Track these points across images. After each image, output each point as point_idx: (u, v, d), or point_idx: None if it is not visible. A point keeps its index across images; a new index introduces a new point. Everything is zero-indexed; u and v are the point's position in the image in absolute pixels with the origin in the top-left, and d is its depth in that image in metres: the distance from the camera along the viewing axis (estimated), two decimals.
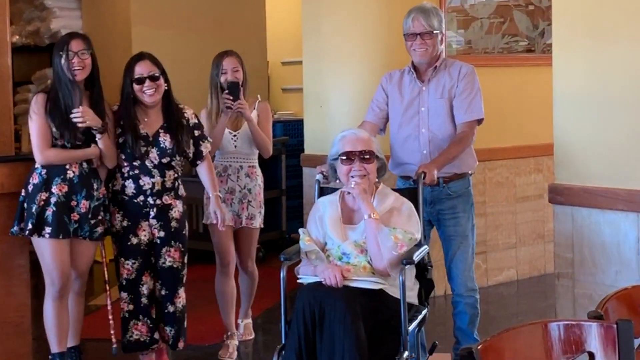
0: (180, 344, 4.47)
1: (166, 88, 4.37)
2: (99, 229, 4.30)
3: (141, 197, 4.34)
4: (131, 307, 4.38)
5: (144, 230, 4.37)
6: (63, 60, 4.16)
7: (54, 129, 4.13)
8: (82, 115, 4.12)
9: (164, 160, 4.33)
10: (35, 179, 4.17)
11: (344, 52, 5.97)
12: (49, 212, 4.13)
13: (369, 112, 4.47)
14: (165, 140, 4.33)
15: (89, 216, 4.23)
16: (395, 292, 3.60)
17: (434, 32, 4.22)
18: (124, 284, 4.39)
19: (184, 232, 4.45)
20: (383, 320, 3.55)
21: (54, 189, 4.15)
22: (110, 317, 4.44)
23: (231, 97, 4.67)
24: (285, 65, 9.31)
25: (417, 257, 3.66)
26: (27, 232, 4.14)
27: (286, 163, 7.55)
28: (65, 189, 4.17)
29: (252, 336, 5.15)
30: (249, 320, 5.19)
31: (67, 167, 4.18)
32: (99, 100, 4.26)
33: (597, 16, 3.79)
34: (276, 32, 9.07)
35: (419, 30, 4.22)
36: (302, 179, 6.36)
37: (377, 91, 4.48)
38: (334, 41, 6.01)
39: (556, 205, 3.95)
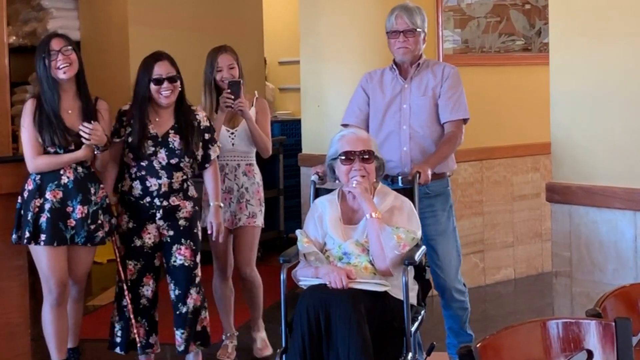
0: (192, 348, 4.36)
1: (179, 89, 4.31)
2: (100, 233, 4.21)
3: (147, 199, 4.27)
4: (131, 306, 4.32)
5: (149, 232, 4.30)
6: (46, 62, 4.09)
7: (41, 137, 4.06)
8: (90, 133, 4.07)
9: (173, 161, 4.26)
10: (29, 185, 4.13)
11: (341, 52, 5.97)
12: (43, 219, 4.08)
13: (348, 115, 4.40)
14: (175, 141, 4.27)
15: (88, 221, 4.16)
16: (397, 294, 3.60)
17: (417, 30, 4.22)
18: (128, 284, 4.33)
19: (195, 231, 4.36)
20: (386, 321, 3.55)
21: (48, 195, 4.10)
22: (131, 316, 4.34)
23: (232, 96, 4.59)
24: (283, 65, 9.31)
25: (418, 257, 3.66)
26: (25, 240, 4.10)
27: (284, 163, 7.56)
28: (60, 194, 4.11)
29: (270, 351, 4.86)
30: (263, 334, 4.93)
31: (61, 172, 4.12)
32: (87, 98, 4.21)
33: (593, 15, 3.79)
34: (273, 32, 9.07)
35: (402, 27, 4.21)
36: (299, 179, 6.36)
37: (355, 93, 4.43)
38: (331, 41, 6.02)
39: (554, 204, 3.96)
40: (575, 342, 1.96)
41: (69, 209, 4.13)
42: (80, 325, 4.45)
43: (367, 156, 3.76)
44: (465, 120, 4.28)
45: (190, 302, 4.32)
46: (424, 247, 3.82)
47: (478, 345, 1.84)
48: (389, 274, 3.61)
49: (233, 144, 4.74)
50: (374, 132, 4.28)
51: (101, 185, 4.25)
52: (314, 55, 6.14)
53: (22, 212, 4.13)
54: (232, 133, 4.74)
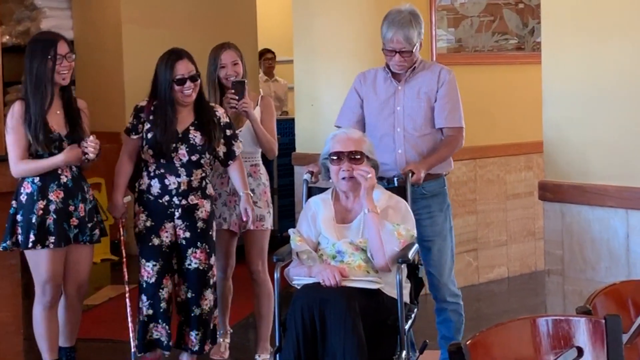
0: (207, 347, 4.33)
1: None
2: (97, 232, 4.21)
3: (166, 197, 4.19)
4: (150, 311, 4.23)
5: (167, 231, 4.22)
6: (50, 65, 4.00)
7: (32, 140, 3.98)
8: (94, 148, 4.02)
9: (193, 158, 4.19)
10: (27, 188, 4.05)
11: (335, 51, 5.97)
12: (49, 221, 4.03)
13: (341, 118, 4.33)
14: (196, 137, 4.20)
15: (87, 219, 4.15)
16: (390, 292, 3.60)
17: (414, 47, 4.11)
18: (144, 286, 4.23)
19: (210, 233, 4.29)
20: (380, 320, 3.55)
21: (51, 196, 4.04)
22: (129, 320, 4.32)
23: (236, 97, 4.44)
24: (277, 65, 9.32)
25: (411, 255, 3.67)
26: (30, 244, 4.00)
27: (277, 162, 7.54)
28: (62, 194, 4.07)
29: None
30: (267, 356, 4.64)
31: (60, 172, 4.07)
32: (72, 101, 4.16)
33: (585, 14, 3.80)
34: (267, 32, 9.08)
35: (398, 48, 4.10)
36: (293, 178, 6.36)
37: (349, 95, 4.35)
38: (325, 40, 6.02)
39: (546, 202, 3.97)
40: (565, 339, 1.97)
41: (71, 208, 4.10)
42: (79, 324, 4.40)
43: (357, 156, 3.73)
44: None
45: (205, 303, 4.27)
46: (416, 246, 3.82)
47: (468, 343, 1.85)
48: (387, 270, 3.61)
49: None
50: (369, 133, 4.23)
51: (88, 185, 4.25)
52: (307, 55, 6.15)
53: (17, 217, 4.05)
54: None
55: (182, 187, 4.19)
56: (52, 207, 4.04)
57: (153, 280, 4.22)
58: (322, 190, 3.99)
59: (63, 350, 4.34)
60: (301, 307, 3.43)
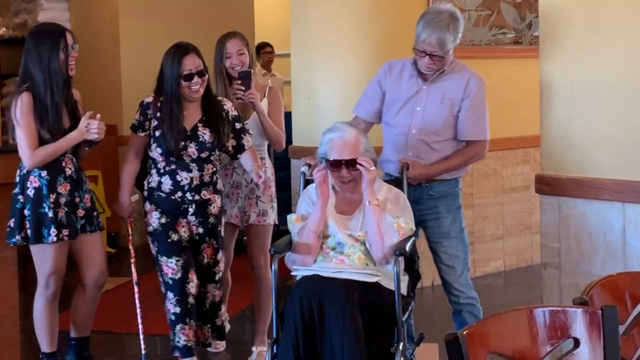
0: (215, 345, 4.45)
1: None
2: (100, 220, 4.26)
3: (179, 194, 4.14)
4: (178, 309, 4.13)
5: (183, 226, 4.17)
6: (62, 57, 3.99)
7: (42, 131, 3.98)
8: (99, 131, 4.02)
9: (203, 155, 4.13)
10: (35, 182, 4.04)
11: (332, 44, 5.97)
12: (61, 214, 4.04)
13: (359, 107, 4.25)
14: (205, 134, 4.14)
15: (93, 208, 4.20)
16: (388, 284, 3.61)
17: (447, 54, 3.95)
18: (170, 284, 4.12)
19: (219, 229, 4.27)
20: (378, 312, 3.55)
21: (60, 189, 4.05)
22: (140, 322, 4.25)
23: (243, 88, 4.36)
24: (274, 58, 9.31)
25: (409, 248, 3.67)
26: (54, 238, 3.99)
27: (274, 155, 7.53)
28: (69, 187, 4.09)
29: None
30: (263, 349, 4.61)
31: (64, 164, 4.08)
32: (71, 93, 4.16)
33: (583, 7, 3.80)
34: (265, 25, 9.07)
35: (429, 50, 3.94)
36: (290, 171, 6.37)
37: (371, 85, 4.21)
38: (322, 33, 6.01)
39: (543, 195, 3.97)
40: (561, 330, 1.97)
41: (77, 199, 4.11)
42: (94, 314, 4.39)
43: (353, 164, 3.67)
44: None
45: (208, 296, 4.29)
46: (413, 238, 3.82)
47: (464, 333, 1.85)
48: (385, 262, 3.61)
49: None
50: (385, 128, 4.17)
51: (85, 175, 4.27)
52: (304, 48, 6.14)
53: (25, 211, 4.03)
54: None
55: (195, 182, 4.14)
56: (62, 200, 4.05)
57: (179, 275, 4.12)
58: None
59: (78, 340, 4.34)
60: (300, 298, 3.44)
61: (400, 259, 3.58)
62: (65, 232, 4.04)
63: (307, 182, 4.05)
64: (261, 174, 4.17)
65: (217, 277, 4.29)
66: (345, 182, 3.72)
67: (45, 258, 4.09)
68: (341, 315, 3.38)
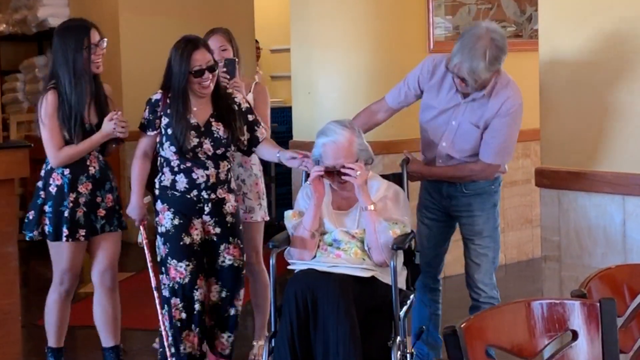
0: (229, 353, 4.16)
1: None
2: (123, 218, 4.20)
3: (194, 192, 3.98)
4: (184, 315, 4.00)
5: (197, 228, 4.01)
6: (86, 55, 3.95)
7: (66, 133, 3.96)
8: (124, 127, 3.99)
9: (219, 152, 4.00)
10: (57, 180, 4.04)
11: (332, 38, 5.96)
12: (80, 214, 4.02)
13: (393, 93, 4.08)
14: (219, 130, 3.99)
15: (117, 207, 4.14)
16: (385, 278, 3.62)
17: (479, 82, 3.72)
18: (175, 288, 3.98)
19: (240, 228, 4.13)
20: (375, 306, 3.56)
21: (81, 189, 4.03)
22: (162, 327, 4.05)
23: (227, 76, 4.27)
24: (274, 53, 9.32)
25: (406, 243, 3.68)
26: (64, 238, 3.99)
27: None
28: (90, 186, 4.06)
29: None
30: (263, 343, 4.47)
31: (88, 163, 4.06)
32: (101, 89, 4.12)
33: (582, 1, 3.80)
34: (265, 20, 9.07)
35: (461, 75, 3.71)
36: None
37: (411, 78, 4.00)
38: (322, 27, 6.01)
39: (543, 189, 3.97)
40: (560, 323, 1.97)
41: (99, 199, 4.08)
42: (120, 319, 4.30)
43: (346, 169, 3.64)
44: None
45: (238, 304, 4.11)
46: (413, 232, 3.82)
47: (463, 326, 1.85)
48: (385, 265, 3.62)
49: None
50: (421, 125, 4.02)
51: (113, 172, 4.22)
52: (304, 43, 6.13)
53: (44, 207, 4.04)
54: None
55: (211, 180, 4.00)
56: (82, 199, 4.03)
57: (187, 280, 3.97)
58: None
59: (108, 350, 4.27)
60: (295, 293, 3.46)
61: (398, 252, 3.58)
62: (82, 232, 4.03)
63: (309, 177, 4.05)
64: (295, 155, 3.96)
65: (244, 280, 4.14)
66: (342, 183, 3.73)
67: (60, 255, 4.09)
68: (335, 309, 3.38)
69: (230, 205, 4.08)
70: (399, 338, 3.53)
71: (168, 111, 3.98)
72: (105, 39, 4.03)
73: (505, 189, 6.60)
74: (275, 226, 7.45)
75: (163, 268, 4.02)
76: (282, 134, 7.50)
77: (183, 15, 7.74)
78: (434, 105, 3.94)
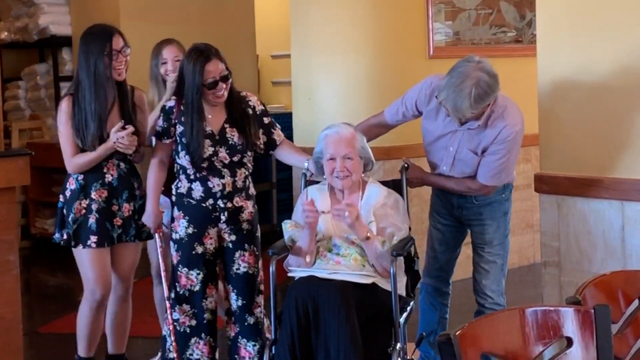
0: None
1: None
2: (147, 228, 4.07)
3: (210, 201, 3.91)
4: (193, 322, 3.99)
5: (211, 237, 3.96)
6: (107, 62, 3.87)
7: (77, 139, 3.91)
8: (123, 143, 3.89)
9: (235, 159, 3.92)
10: (72, 184, 4.00)
11: (332, 44, 5.97)
12: (92, 220, 3.95)
13: (391, 110, 4.09)
14: (234, 136, 3.91)
15: (135, 217, 4.05)
16: (386, 285, 3.62)
17: (466, 118, 3.71)
18: (186, 295, 3.97)
19: (257, 234, 4.06)
20: (375, 312, 3.57)
21: (94, 195, 3.96)
22: (173, 337, 4.02)
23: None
24: (275, 59, 9.32)
25: (406, 249, 3.69)
26: (62, 242, 3.98)
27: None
28: (105, 193, 3.98)
29: None
30: None
31: (105, 170, 3.98)
32: (127, 96, 4.03)
33: (580, 6, 3.80)
34: (265, 25, 9.08)
35: (447, 112, 3.73)
36: (291, 172, 6.36)
37: (409, 97, 3.99)
38: (322, 32, 6.01)
39: (542, 194, 3.98)
40: (554, 330, 1.98)
41: (115, 207, 4.00)
42: (128, 329, 4.30)
43: (349, 157, 3.73)
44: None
45: (257, 310, 4.05)
46: (412, 239, 3.83)
47: (457, 333, 1.86)
48: (387, 275, 3.63)
49: None
50: (424, 148, 4.04)
51: (141, 178, 4.12)
52: (304, 48, 6.14)
53: (64, 211, 4.02)
54: None
55: (227, 189, 3.93)
56: (95, 206, 3.97)
57: (197, 288, 3.96)
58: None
59: (113, 358, 4.26)
60: (295, 299, 3.46)
61: (398, 259, 3.59)
62: (94, 238, 3.96)
63: (309, 183, 4.07)
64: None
65: (261, 287, 4.06)
66: (341, 178, 3.73)
67: (82, 263, 4.04)
68: (336, 315, 3.39)
69: (247, 212, 4.01)
70: (399, 344, 3.54)
71: (182, 119, 3.92)
72: (129, 48, 3.96)
73: None
74: (276, 232, 7.48)
75: (174, 275, 4.01)
76: None
77: (184, 22, 7.75)
78: (432, 130, 3.95)
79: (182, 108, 3.92)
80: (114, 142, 3.93)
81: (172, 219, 4.01)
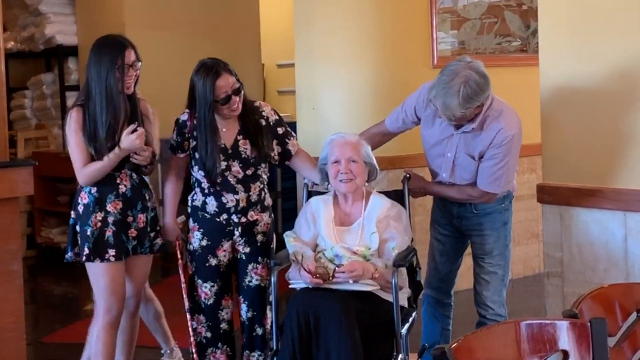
0: None
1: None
2: (159, 240, 4.03)
3: (224, 216, 3.90)
4: (209, 334, 4.01)
5: (225, 250, 3.96)
6: (118, 76, 3.80)
7: (90, 148, 3.82)
8: (144, 157, 3.84)
9: (249, 172, 3.90)
10: (84, 199, 3.89)
11: (336, 53, 5.97)
12: (109, 234, 3.85)
13: (392, 118, 4.10)
14: (246, 150, 3.89)
15: (148, 229, 3.97)
16: (387, 295, 3.62)
17: (457, 118, 3.68)
18: (202, 307, 3.99)
19: (272, 246, 4.04)
20: (376, 323, 3.57)
21: (109, 207, 3.87)
22: (194, 350, 4.03)
23: None
24: (281, 68, 9.33)
25: (407, 260, 3.69)
26: (84, 257, 3.85)
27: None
28: (120, 205, 3.88)
29: None
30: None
31: (118, 181, 3.90)
32: (136, 108, 3.94)
33: (582, 16, 3.80)
34: (271, 35, 9.09)
35: (438, 112, 3.73)
36: (296, 181, 6.37)
37: (408, 105, 4.00)
38: (325, 42, 6.02)
39: (545, 205, 3.98)
40: (550, 343, 1.97)
41: (130, 219, 3.91)
42: (134, 344, 4.24)
43: (353, 159, 3.76)
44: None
45: (267, 322, 4.03)
46: (414, 250, 3.83)
47: (452, 347, 1.85)
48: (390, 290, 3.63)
49: None
50: (425, 152, 4.05)
51: (151, 192, 4.05)
52: (308, 57, 6.15)
53: (77, 227, 3.91)
54: None
55: (241, 205, 3.91)
56: (111, 218, 3.87)
57: (212, 301, 3.98)
58: (321, 194, 4.00)
59: None
60: (297, 310, 3.47)
61: (399, 270, 3.59)
62: (112, 252, 3.86)
63: (310, 194, 4.07)
64: None
65: (270, 299, 3.96)
66: (345, 181, 3.74)
67: (97, 279, 3.92)
68: (338, 326, 3.40)
69: (262, 224, 3.99)
70: (400, 356, 3.53)
71: (195, 133, 3.90)
72: (140, 63, 3.90)
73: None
74: (281, 241, 7.48)
75: (193, 285, 4.02)
76: None
77: (189, 31, 7.78)
78: (429, 135, 3.96)
79: (194, 122, 3.88)
80: (127, 148, 3.82)
81: (188, 230, 4.01)
